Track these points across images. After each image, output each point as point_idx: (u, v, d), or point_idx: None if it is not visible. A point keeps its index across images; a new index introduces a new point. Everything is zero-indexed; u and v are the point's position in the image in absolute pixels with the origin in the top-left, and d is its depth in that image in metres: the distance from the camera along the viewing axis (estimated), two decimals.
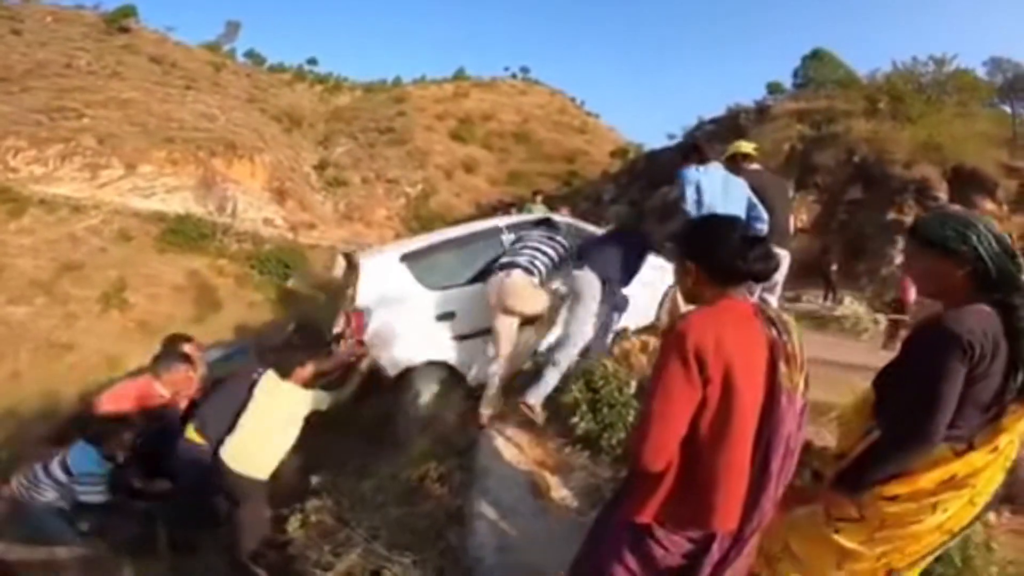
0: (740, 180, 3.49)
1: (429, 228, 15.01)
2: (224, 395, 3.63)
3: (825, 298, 12.65)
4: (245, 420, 3.36)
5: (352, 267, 4.48)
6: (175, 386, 3.86)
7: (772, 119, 21.23)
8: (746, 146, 3.94)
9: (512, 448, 3.26)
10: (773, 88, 30.82)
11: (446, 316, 3.95)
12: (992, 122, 22.08)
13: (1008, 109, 28.41)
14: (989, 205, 14.00)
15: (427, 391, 3.97)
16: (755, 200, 3.42)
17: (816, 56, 30.26)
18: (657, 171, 25.06)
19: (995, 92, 27.21)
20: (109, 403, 3.72)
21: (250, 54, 58.68)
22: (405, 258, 4.12)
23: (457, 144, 42.68)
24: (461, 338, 3.96)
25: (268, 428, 3.35)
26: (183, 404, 3.98)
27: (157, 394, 3.79)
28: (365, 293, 3.97)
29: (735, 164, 3.77)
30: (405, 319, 3.89)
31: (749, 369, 1.20)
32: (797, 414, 1.24)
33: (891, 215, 14.19)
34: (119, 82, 29.30)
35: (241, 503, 3.32)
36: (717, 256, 1.34)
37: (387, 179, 35.21)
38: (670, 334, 1.26)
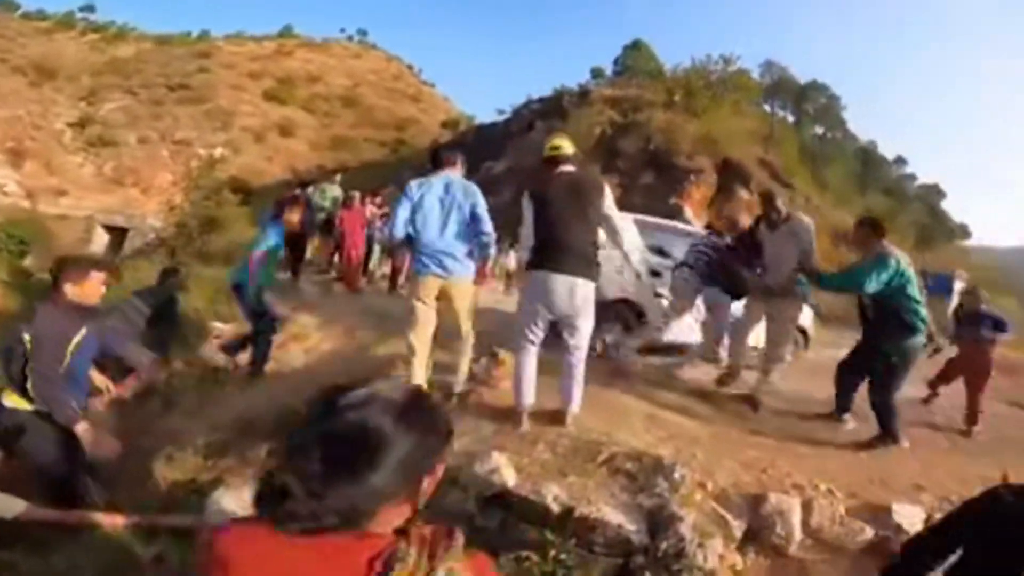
0: (472, 187, 3.25)
1: (217, 195, 12.83)
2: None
3: None
4: None
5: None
6: None
7: (590, 104, 22.50)
8: (558, 143, 3.21)
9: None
10: (596, 73, 33.08)
11: (656, 274, 4.96)
12: (756, 119, 26.52)
13: (769, 108, 34.78)
14: (745, 194, 16.85)
15: (616, 328, 5.37)
16: (482, 212, 3.17)
17: (636, 46, 33.28)
18: (485, 145, 25.35)
19: (763, 92, 32.89)
20: None
21: None
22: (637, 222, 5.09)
23: (272, 105, 38.54)
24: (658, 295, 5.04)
25: None
26: None
27: None
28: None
29: (547, 167, 3.20)
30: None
31: None
32: None
33: (673, 200, 16.17)
34: None
35: None
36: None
37: (175, 140, 30.07)
38: None
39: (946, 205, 45.41)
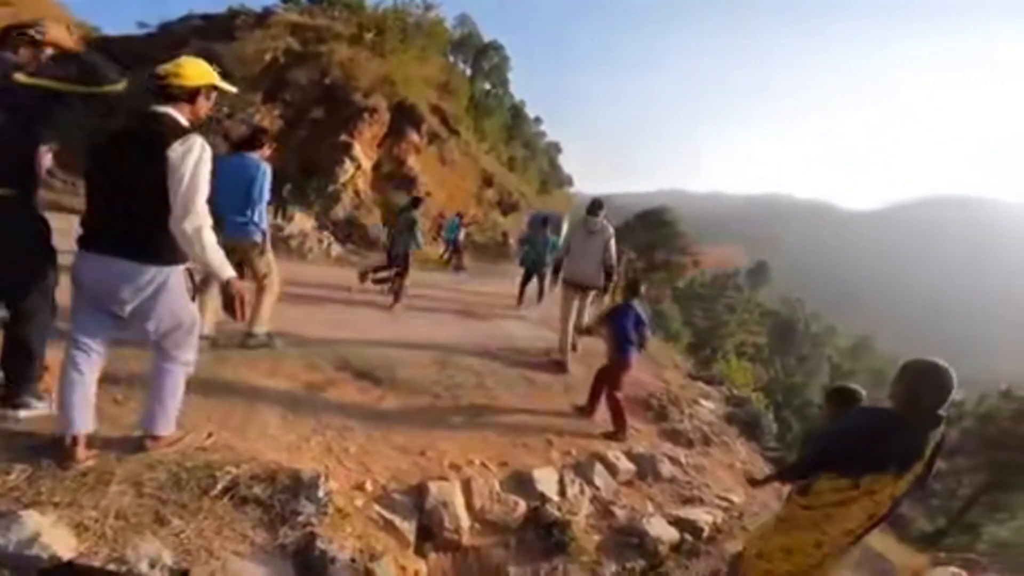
0: None
1: None
2: None
3: (275, 216, 12.24)
4: None
5: None
6: None
7: (268, 27, 18.75)
8: (172, 68, 2.00)
9: None
10: None
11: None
12: (437, 68, 26.97)
13: (452, 60, 36.34)
14: (415, 137, 17.08)
15: None
16: None
17: None
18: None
19: (451, 44, 33.72)
20: None
21: None
22: None
23: None
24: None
25: None
26: None
27: None
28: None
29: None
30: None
31: None
32: None
33: (343, 137, 15.09)
34: None
35: None
36: None
37: None
38: None
39: (561, 159, 57.68)
